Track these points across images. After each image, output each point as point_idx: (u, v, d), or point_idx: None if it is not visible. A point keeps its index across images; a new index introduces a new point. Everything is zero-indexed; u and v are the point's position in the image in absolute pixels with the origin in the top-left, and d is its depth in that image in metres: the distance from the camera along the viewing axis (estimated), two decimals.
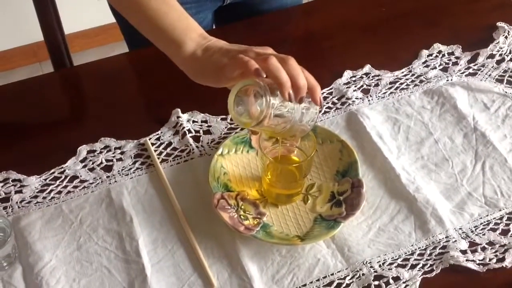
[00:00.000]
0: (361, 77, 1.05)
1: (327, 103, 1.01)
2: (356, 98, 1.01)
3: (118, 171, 0.92)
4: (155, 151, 0.94)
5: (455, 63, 1.06)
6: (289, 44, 1.13)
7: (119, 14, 0.90)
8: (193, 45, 0.81)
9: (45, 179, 0.90)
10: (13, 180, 0.89)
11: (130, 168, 0.92)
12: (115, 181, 0.90)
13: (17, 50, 2.30)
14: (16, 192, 0.88)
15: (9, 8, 2.15)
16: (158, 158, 0.93)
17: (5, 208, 0.86)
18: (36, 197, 0.88)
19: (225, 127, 0.98)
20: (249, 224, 0.84)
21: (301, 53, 1.10)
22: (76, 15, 1.97)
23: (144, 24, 0.85)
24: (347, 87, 1.03)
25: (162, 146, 0.95)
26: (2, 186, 0.89)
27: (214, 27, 1.30)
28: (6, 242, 0.78)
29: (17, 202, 0.87)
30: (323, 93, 1.02)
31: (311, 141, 0.85)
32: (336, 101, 1.01)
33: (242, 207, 0.86)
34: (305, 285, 0.80)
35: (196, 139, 0.96)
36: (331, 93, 1.03)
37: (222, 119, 0.99)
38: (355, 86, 1.03)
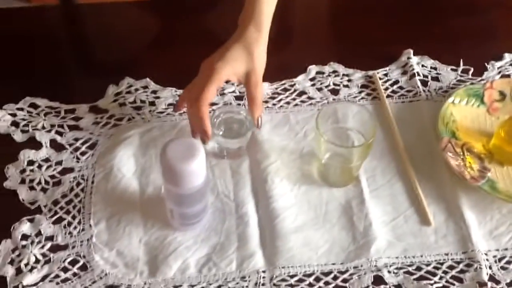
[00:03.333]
0: None
1: None
2: None
3: (344, 96, 0.92)
4: (382, 85, 0.94)
5: None
6: None
7: None
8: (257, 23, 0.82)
9: (276, 88, 0.93)
10: None
11: (356, 96, 0.93)
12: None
13: None
14: None
15: None
16: (384, 93, 0.93)
17: (239, 105, 0.90)
18: (266, 101, 0.91)
19: (455, 78, 0.96)
20: (474, 175, 0.82)
21: None
22: None
23: None
24: None
25: (389, 82, 0.95)
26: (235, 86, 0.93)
27: None
28: (244, 134, 0.81)
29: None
30: None
31: None
32: None
33: (468, 157, 0.84)
34: None
35: (424, 83, 0.95)
36: None
37: (452, 69, 0.97)
38: None
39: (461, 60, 0.98)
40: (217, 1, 1.13)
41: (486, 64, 0.97)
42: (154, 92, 0.91)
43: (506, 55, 0.99)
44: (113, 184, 0.79)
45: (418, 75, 0.95)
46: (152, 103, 0.89)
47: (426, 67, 0.97)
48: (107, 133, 0.86)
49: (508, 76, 0.96)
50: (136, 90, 0.91)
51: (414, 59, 0.97)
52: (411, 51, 0.98)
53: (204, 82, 0.78)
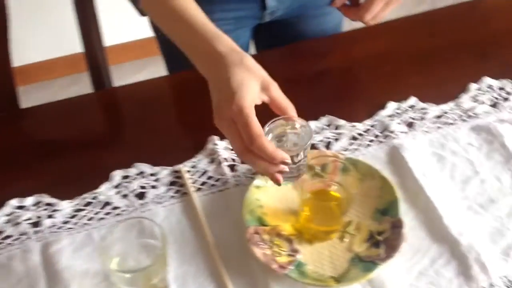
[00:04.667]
0: (406, 110, 1.01)
1: (369, 135, 0.97)
2: (399, 132, 0.97)
3: (152, 199, 0.90)
4: (190, 179, 0.92)
5: (506, 99, 1.02)
6: (330, 73, 1.09)
7: (158, 30, 0.88)
8: (226, 47, 0.77)
9: (77, 204, 0.89)
10: (46, 204, 0.88)
11: (164, 196, 0.90)
12: (148, 209, 0.88)
13: (59, 60, 2.33)
14: (48, 216, 0.87)
15: (51, 19, 2.18)
16: (193, 186, 0.91)
17: (35, 232, 0.85)
18: (67, 222, 0.87)
19: None
20: (283, 262, 0.80)
21: (342, 83, 1.08)
22: (115, 28, 1.98)
23: (173, 24, 0.82)
24: (390, 120, 0.99)
25: (198, 174, 0.93)
26: (34, 210, 0.87)
27: (251, 44, 1.31)
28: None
29: (48, 227, 0.86)
30: (365, 124, 0.99)
31: (352, 177, 0.82)
32: (379, 134, 0.98)
33: (276, 243, 0.83)
34: None
35: (232, 168, 0.94)
36: (373, 126, 0.99)
37: None
38: (399, 119, 0.99)
39: None
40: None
41: None
42: None
43: (310, 123, 1.00)
44: None
45: (226, 160, 0.94)
46: None
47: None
48: None
49: None
50: None
51: (221, 144, 0.96)
52: (216, 137, 0.97)
53: (242, 124, 0.71)
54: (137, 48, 2.37)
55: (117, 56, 2.29)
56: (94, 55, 1.17)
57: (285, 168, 0.75)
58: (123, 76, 1.10)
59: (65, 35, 2.14)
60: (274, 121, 0.79)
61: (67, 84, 2.35)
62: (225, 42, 0.77)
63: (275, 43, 1.18)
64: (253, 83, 0.74)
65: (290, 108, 0.78)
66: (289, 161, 0.75)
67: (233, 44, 0.78)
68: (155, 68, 1.32)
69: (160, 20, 0.86)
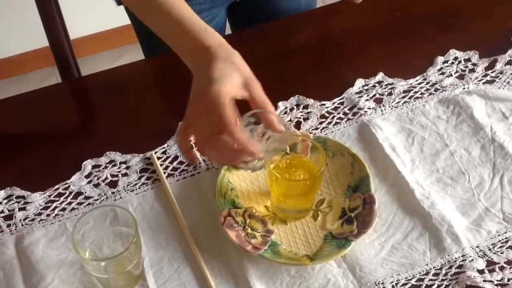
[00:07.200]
0: (374, 86, 1.01)
1: (338, 113, 0.98)
2: (368, 108, 0.98)
3: (124, 187, 0.89)
4: (161, 165, 0.92)
5: (472, 70, 1.03)
6: (299, 52, 1.09)
7: (135, 16, 0.87)
8: (215, 42, 0.78)
9: (49, 196, 0.88)
10: (17, 197, 0.88)
11: (136, 184, 0.90)
12: (120, 198, 0.88)
13: (30, 54, 2.30)
14: (19, 209, 0.86)
15: (21, 12, 2.14)
16: (164, 172, 0.91)
17: (8, 226, 0.84)
18: (40, 214, 0.86)
19: None
20: (257, 243, 0.81)
21: (312, 61, 1.08)
22: (86, 18, 1.96)
23: (160, 20, 0.82)
24: (359, 97, 1.00)
25: (169, 160, 0.93)
26: (5, 203, 0.87)
27: (227, 23, 1.30)
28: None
29: (20, 220, 0.85)
30: (334, 103, 0.99)
31: (320, 155, 0.82)
32: (348, 111, 0.98)
33: (250, 224, 0.84)
34: None
35: None
36: (342, 103, 0.99)
37: None
38: (367, 96, 1.00)
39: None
40: None
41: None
42: None
43: (280, 104, 1.00)
44: None
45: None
46: None
47: None
48: None
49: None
50: None
51: None
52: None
53: (217, 111, 0.72)
54: (110, 37, 2.34)
55: (91, 46, 2.27)
56: (61, 49, 1.16)
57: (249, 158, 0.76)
58: (99, 66, 1.09)
59: (35, 28, 2.11)
60: (253, 113, 0.79)
61: (41, 77, 2.32)
62: (214, 37, 0.78)
63: (250, 21, 1.18)
64: (235, 76, 0.75)
65: (269, 107, 0.78)
66: (258, 155, 0.75)
67: (222, 39, 0.79)
68: (133, 55, 1.30)
69: (144, 15, 0.85)
